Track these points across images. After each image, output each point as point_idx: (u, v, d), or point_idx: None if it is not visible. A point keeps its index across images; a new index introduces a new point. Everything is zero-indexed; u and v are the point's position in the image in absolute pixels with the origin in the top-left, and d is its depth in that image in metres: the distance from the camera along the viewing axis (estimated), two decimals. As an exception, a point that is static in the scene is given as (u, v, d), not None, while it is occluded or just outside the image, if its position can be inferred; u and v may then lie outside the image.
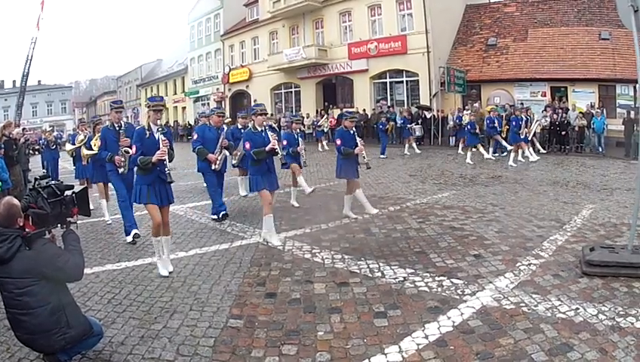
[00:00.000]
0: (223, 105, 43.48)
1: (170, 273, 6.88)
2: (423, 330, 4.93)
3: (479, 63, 30.19)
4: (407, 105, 30.94)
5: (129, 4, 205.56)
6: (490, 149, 21.18)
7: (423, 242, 8.20)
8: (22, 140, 14.21)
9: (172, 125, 47.23)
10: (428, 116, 28.61)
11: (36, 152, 22.96)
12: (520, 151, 18.71)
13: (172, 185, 7.10)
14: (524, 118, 19.01)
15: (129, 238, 8.71)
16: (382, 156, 21.83)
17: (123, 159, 8.40)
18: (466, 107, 26.61)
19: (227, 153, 10.44)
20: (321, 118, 31.43)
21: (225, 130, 10.71)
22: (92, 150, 10.26)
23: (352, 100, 34.75)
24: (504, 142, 20.36)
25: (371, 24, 33.17)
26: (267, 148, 8.15)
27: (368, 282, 6.39)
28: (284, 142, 10.75)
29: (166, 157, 6.80)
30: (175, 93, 56.75)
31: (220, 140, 10.12)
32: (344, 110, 29.86)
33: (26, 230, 4.16)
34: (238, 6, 45.15)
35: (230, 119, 21.25)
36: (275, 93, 41.62)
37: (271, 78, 40.66)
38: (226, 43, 46.83)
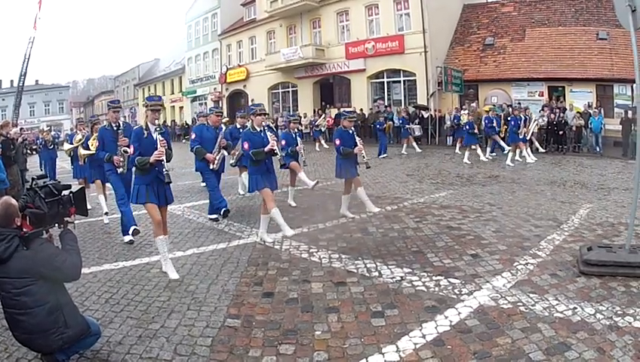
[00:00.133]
0: (221, 105, 43.46)
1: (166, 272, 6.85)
2: (420, 330, 4.93)
3: (476, 63, 30.22)
4: (405, 104, 31.00)
5: (126, 4, 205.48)
6: (488, 149, 21.18)
7: (421, 241, 8.20)
8: (19, 140, 14.20)
9: (169, 125, 47.18)
10: (425, 116, 28.60)
11: (34, 152, 22.92)
12: (518, 151, 18.73)
13: (170, 184, 7.07)
14: (523, 118, 19.02)
15: (126, 238, 8.66)
16: (381, 156, 21.81)
17: (122, 159, 8.29)
18: (463, 107, 26.66)
19: (225, 153, 10.41)
20: (319, 117, 31.39)
21: (223, 130, 10.68)
22: (89, 150, 10.23)
23: (349, 100, 34.75)
24: (502, 143, 20.39)
25: (369, 24, 33.19)
26: (266, 149, 8.11)
27: (366, 281, 6.39)
28: (283, 142, 10.70)
29: (164, 157, 6.77)
30: (172, 93, 56.74)
31: (218, 140, 10.09)
32: (342, 110, 29.97)
33: (24, 230, 4.15)
34: (235, 5, 45.20)
35: (228, 119, 21.26)
36: (272, 92, 41.64)
37: (268, 78, 40.68)
38: (223, 42, 46.84)
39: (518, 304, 5.47)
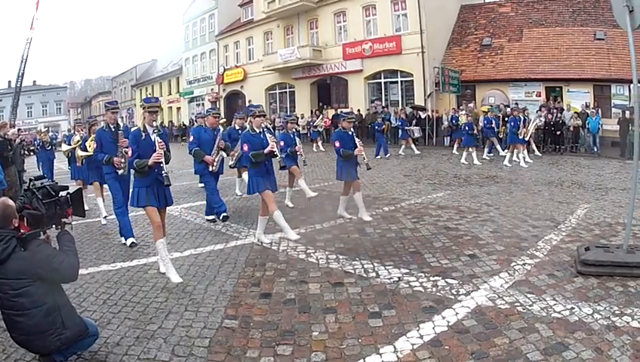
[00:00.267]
0: (218, 106, 43.47)
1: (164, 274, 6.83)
2: (417, 330, 4.94)
3: (474, 63, 30.22)
4: (402, 105, 30.96)
5: (124, 5, 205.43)
6: (486, 149, 21.21)
7: (418, 242, 8.21)
8: (17, 141, 14.17)
9: (167, 126, 47.16)
10: (422, 116, 28.59)
11: (31, 153, 22.88)
12: (515, 151, 18.73)
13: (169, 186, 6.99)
14: (522, 118, 19.01)
15: (128, 241, 8.55)
16: (378, 156, 21.78)
17: (123, 160, 8.18)
18: (461, 107, 26.65)
19: (224, 154, 10.35)
20: (317, 118, 31.37)
21: (221, 131, 10.61)
22: (87, 151, 10.20)
23: (346, 101, 34.74)
24: (499, 146, 20.41)
25: (366, 24, 33.17)
26: (266, 151, 8.08)
27: (363, 282, 6.39)
28: (282, 143, 10.64)
29: (163, 159, 6.69)
30: (170, 94, 56.74)
31: (217, 141, 9.98)
32: (339, 110, 29.95)
33: (21, 231, 4.15)
34: (232, 6, 45.16)
35: (225, 120, 21.22)
36: (269, 93, 41.59)
37: (265, 79, 40.66)
38: (220, 43, 46.82)
39: (516, 304, 5.48)
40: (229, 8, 45.65)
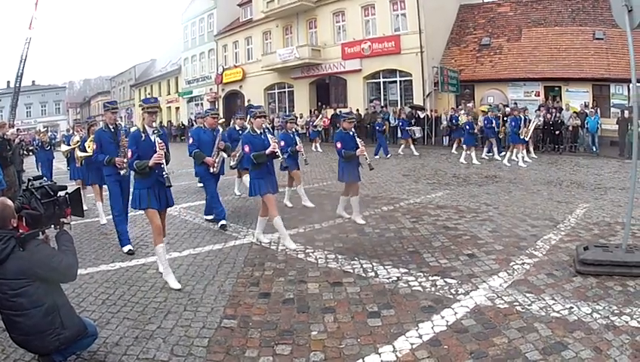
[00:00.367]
0: (217, 106, 43.48)
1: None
2: (416, 330, 4.94)
3: (473, 63, 30.23)
4: (401, 105, 30.99)
5: (123, 5, 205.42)
6: (485, 149, 21.23)
7: (417, 242, 8.21)
8: (16, 141, 14.16)
9: (166, 126, 47.14)
10: (421, 116, 28.58)
11: (30, 153, 22.86)
12: (515, 150, 18.73)
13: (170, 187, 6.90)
14: (523, 118, 19.00)
15: (125, 248, 8.31)
16: (377, 156, 21.74)
17: (125, 160, 7.96)
18: (460, 107, 26.63)
19: (225, 155, 10.27)
20: (317, 117, 31.34)
21: (220, 132, 10.52)
22: (86, 152, 10.17)
23: (345, 100, 34.72)
24: (496, 149, 20.41)
25: (365, 24, 33.16)
26: (267, 152, 7.96)
27: (362, 282, 6.39)
28: (282, 143, 10.56)
29: (163, 160, 6.58)
30: (169, 94, 56.69)
31: (217, 142, 9.84)
32: (338, 110, 29.98)
33: (20, 231, 4.15)
34: (231, 6, 45.11)
35: (224, 120, 21.19)
36: (268, 93, 41.56)
37: (264, 78, 40.63)
38: (219, 43, 46.79)
39: (515, 304, 5.48)
40: (227, 8, 45.60)
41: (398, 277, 6.47)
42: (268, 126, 9.48)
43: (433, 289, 6.05)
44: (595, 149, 22.48)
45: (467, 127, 19.65)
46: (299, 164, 11.28)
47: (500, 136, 21.62)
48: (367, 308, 5.53)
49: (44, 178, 4.73)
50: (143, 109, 6.87)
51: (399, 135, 26.31)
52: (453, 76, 28.47)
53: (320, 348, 4.67)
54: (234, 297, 6.02)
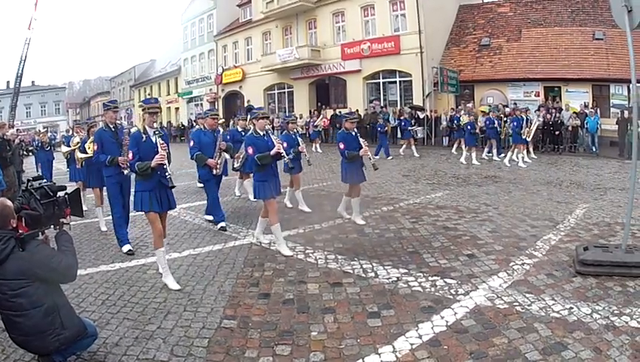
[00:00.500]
0: (216, 106, 43.48)
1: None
2: (416, 330, 4.95)
3: (472, 63, 30.23)
4: (400, 105, 31.00)
5: (122, 5, 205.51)
6: (486, 149, 21.24)
7: (417, 242, 8.21)
8: (16, 141, 14.15)
9: (165, 126, 47.12)
10: (421, 116, 28.58)
11: (30, 153, 22.82)
12: (515, 150, 18.72)
13: (173, 188, 6.82)
14: (525, 118, 18.98)
15: (125, 248, 8.27)
16: (377, 156, 21.67)
17: (128, 158, 7.96)
18: (459, 107, 26.63)
19: (227, 156, 10.20)
20: (317, 118, 31.31)
21: (221, 132, 10.44)
22: (86, 153, 10.12)
23: (344, 101, 34.70)
24: (495, 150, 20.39)
25: (364, 24, 33.16)
26: (272, 153, 7.81)
27: (362, 282, 6.40)
28: (284, 144, 10.49)
29: (166, 161, 6.50)
30: (168, 94, 56.64)
31: (217, 143, 9.77)
32: (338, 111, 30.00)
33: (20, 231, 4.14)
34: (231, 6, 45.12)
35: (224, 120, 21.14)
36: (268, 93, 41.56)
37: (264, 79, 40.64)
38: (219, 43, 46.78)
39: (515, 304, 5.48)
40: (227, 8, 45.61)
41: (397, 278, 6.48)
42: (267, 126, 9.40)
43: (433, 289, 6.05)
44: (594, 150, 22.48)
45: (468, 127, 19.65)
46: (302, 165, 11.24)
47: (502, 137, 21.60)
48: (367, 309, 5.53)
49: (44, 178, 4.73)
50: (143, 110, 6.75)
51: (399, 135, 26.25)
52: (452, 76, 28.48)
53: (320, 348, 4.67)
54: (234, 298, 6.02)
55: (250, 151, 7.89)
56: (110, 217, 8.93)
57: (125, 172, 8.14)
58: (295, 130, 11.23)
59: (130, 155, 6.59)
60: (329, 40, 35.20)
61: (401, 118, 25.82)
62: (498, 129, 20.54)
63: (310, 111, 34.62)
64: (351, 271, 6.81)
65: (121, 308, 5.76)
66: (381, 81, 33.24)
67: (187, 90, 52.35)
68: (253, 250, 8.10)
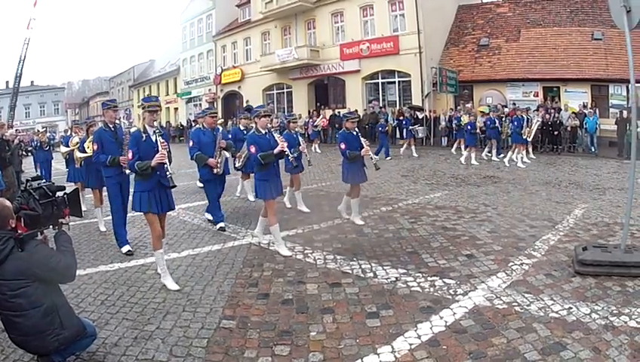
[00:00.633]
0: (215, 106, 43.42)
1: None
2: (415, 330, 4.95)
3: (471, 63, 30.23)
4: (399, 105, 30.99)
5: (121, 5, 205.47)
6: (486, 149, 21.24)
7: (415, 242, 8.22)
8: (15, 141, 14.14)
9: (165, 126, 47.05)
10: (420, 116, 28.55)
11: (29, 153, 22.83)
12: (516, 150, 18.72)
13: (173, 189, 6.76)
14: (526, 118, 18.97)
15: (124, 249, 8.24)
16: (376, 156, 21.61)
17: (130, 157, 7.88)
18: (458, 107, 26.63)
19: (227, 154, 10.15)
20: (317, 118, 31.28)
21: (220, 131, 10.40)
22: (85, 153, 10.09)
23: (344, 101, 34.69)
24: (494, 151, 20.38)
25: (363, 25, 33.15)
26: (276, 151, 7.74)
27: (360, 282, 6.40)
28: (286, 144, 10.43)
29: (166, 160, 6.42)
30: (167, 94, 56.52)
31: (217, 142, 9.70)
32: (337, 111, 29.99)
33: (19, 231, 4.14)
34: (230, 7, 45.08)
35: (223, 120, 21.11)
36: (267, 93, 41.50)
37: (263, 79, 40.60)
38: (218, 44, 46.72)
39: (514, 304, 5.49)
40: (226, 9, 45.57)
41: (396, 278, 6.48)
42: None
43: (432, 289, 6.06)
44: (593, 150, 22.49)
45: (469, 127, 19.65)
46: (303, 165, 11.18)
47: (502, 137, 21.59)
48: (366, 309, 5.54)
49: (43, 178, 4.73)
50: (143, 108, 6.67)
51: (398, 135, 26.24)
52: (451, 77, 28.49)
53: (319, 348, 4.68)
54: (233, 298, 6.02)
55: (253, 149, 7.75)
56: (109, 217, 8.93)
57: (127, 171, 8.06)
58: (296, 130, 11.19)
59: (130, 155, 6.51)
60: (328, 40, 35.18)
61: (401, 118, 25.81)
62: (499, 129, 20.54)
63: (309, 112, 34.58)
64: (350, 272, 6.81)
65: (120, 308, 5.76)
66: (380, 81, 33.19)
67: (186, 90, 52.29)
68: (252, 250, 8.10)
